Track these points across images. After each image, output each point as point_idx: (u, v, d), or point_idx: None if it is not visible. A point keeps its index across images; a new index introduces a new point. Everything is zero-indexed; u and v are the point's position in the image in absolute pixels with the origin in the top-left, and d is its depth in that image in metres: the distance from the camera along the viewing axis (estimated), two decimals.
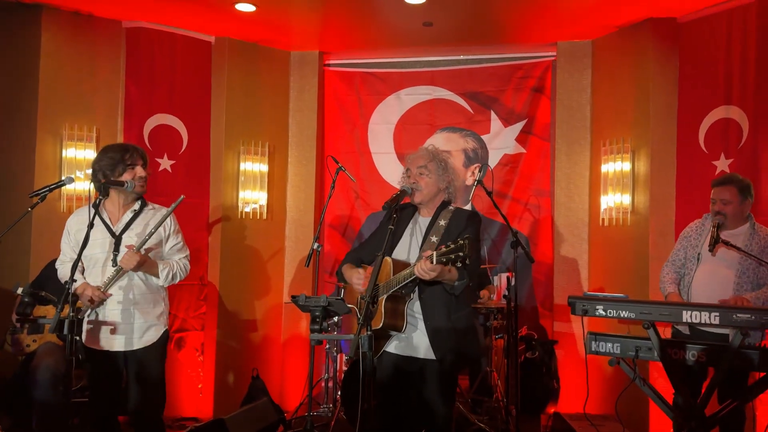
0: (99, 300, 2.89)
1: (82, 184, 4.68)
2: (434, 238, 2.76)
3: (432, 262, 2.41)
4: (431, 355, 2.70)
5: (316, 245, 4.51)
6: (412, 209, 2.96)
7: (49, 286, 3.82)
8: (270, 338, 5.38)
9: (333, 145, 5.61)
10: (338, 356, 4.89)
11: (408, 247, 2.85)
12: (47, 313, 3.78)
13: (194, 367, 5.06)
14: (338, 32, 5.19)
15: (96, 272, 2.97)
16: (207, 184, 5.21)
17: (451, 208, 2.89)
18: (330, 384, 4.91)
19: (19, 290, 3.57)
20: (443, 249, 2.39)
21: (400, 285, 2.64)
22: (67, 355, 2.65)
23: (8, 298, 4.09)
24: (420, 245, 2.81)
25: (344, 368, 4.62)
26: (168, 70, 5.10)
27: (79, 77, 4.80)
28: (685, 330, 3.44)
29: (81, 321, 2.79)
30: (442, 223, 2.81)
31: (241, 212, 5.26)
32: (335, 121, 5.69)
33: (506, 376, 4.39)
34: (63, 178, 3.42)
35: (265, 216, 5.37)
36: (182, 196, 3.12)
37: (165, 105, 5.09)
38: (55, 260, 4.08)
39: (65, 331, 2.64)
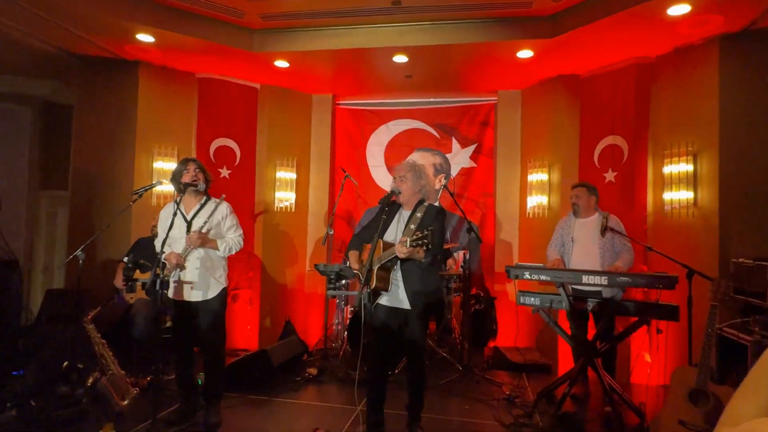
0: (180, 264, 2.94)
1: (167, 187, 4.80)
2: (412, 226, 2.74)
3: (406, 246, 2.49)
4: (409, 306, 2.75)
5: (329, 230, 4.67)
6: (398, 205, 2.94)
7: (138, 257, 3.95)
8: (297, 295, 5.47)
9: (341, 160, 5.68)
10: (345, 308, 5.01)
11: (395, 232, 2.84)
12: (137, 275, 3.85)
13: (245, 314, 5.14)
14: (346, 82, 5.26)
15: (177, 246, 3.00)
16: (253, 187, 5.29)
17: (425, 204, 2.87)
18: (339, 327, 4.99)
19: (125, 259, 3.67)
20: (415, 236, 2.45)
21: (386, 260, 2.68)
22: (156, 305, 2.73)
23: (114, 265, 4.22)
24: (402, 231, 2.80)
25: (349, 316, 4.66)
26: (227, 107, 5.16)
27: (165, 112, 4.90)
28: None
29: (166, 281, 2.85)
30: (419, 215, 2.80)
31: (277, 207, 5.35)
32: (343, 143, 5.75)
33: (461, 322, 4.47)
34: (154, 181, 3.52)
35: (293, 210, 5.45)
36: (223, 195, 3.18)
37: (224, 131, 5.17)
38: (140, 239, 4.21)
39: (157, 287, 2.75)
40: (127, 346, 3.76)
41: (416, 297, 2.75)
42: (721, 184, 3.70)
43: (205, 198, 3.13)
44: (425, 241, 2.42)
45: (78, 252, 3.38)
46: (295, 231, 5.52)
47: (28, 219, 6.05)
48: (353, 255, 2.93)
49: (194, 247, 2.97)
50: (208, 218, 3.02)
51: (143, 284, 3.85)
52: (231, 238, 3.13)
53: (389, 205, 2.87)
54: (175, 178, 3.05)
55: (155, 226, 4.10)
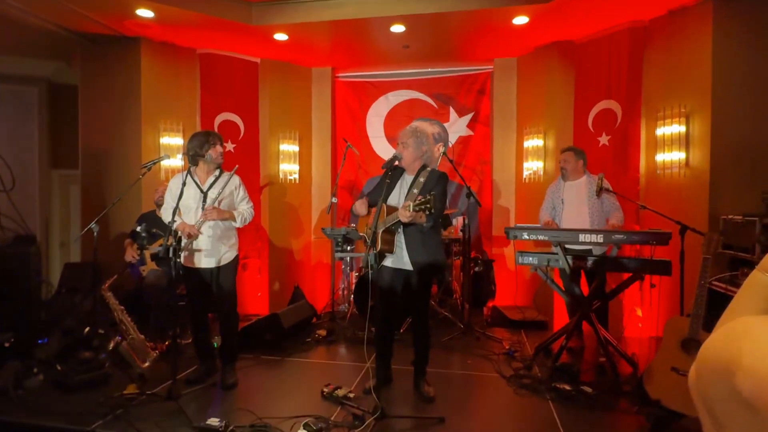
0: (194, 235, 2.93)
1: (174, 161, 4.75)
2: (415, 190, 2.74)
3: (409, 210, 2.46)
4: (411, 268, 2.75)
5: (333, 199, 4.63)
6: (401, 170, 2.89)
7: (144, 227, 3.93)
8: (304, 263, 5.49)
9: (342, 132, 5.59)
10: (350, 274, 5.05)
11: (398, 196, 2.82)
12: (143, 253, 3.88)
13: (255, 282, 5.17)
14: (344, 54, 5.13)
15: (190, 216, 2.99)
16: (257, 160, 5.23)
17: (428, 169, 2.83)
18: (345, 292, 5.05)
19: (138, 228, 3.64)
20: (417, 201, 2.41)
21: (390, 223, 2.66)
22: (168, 274, 2.72)
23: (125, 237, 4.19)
24: (405, 196, 2.78)
25: (355, 281, 4.70)
26: (229, 82, 5.07)
27: (168, 88, 4.79)
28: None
29: (178, 249, 2.82)
30: (421, 180, 2.77)
31: (282, 179, 5.30)
32: (343, 115, 5.66)
33: (462, 284, 4.51)
34: (161, 155, 3.46)
35: (297, 181, 5.41)
36: (236, 166, 3.15)
37: (228, 106, 5.08)
38: (143, 214, 4.16)
39: (170, 255, 2.72)
40: (143, 316, 3.75)
41: (419, 259, 2.74)
42: (713, 144, 3.63)
43: (218, 171, 3.10)
44: (428, 205, 2.38)
45: (92, 225, 3.36)
46: (299, 202, 5.48)
47: (42, 198, 6.01)
48: (360, 202, 2.88)
49: (212, 219, 2.95)
50: (222, 189, 3.01)
51: (152, 255, 3.84)
52: (245, 209, 3.13)
53: (392, 170, 2.83)
54: (195, 150, 2.98)
55: (161, 197, 4.07)
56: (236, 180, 3.14)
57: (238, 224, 3.10)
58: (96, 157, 4.77)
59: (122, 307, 3.14)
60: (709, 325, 2.53)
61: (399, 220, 2.60)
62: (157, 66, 4.71)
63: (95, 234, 3.35)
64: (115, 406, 2.60)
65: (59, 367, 2.91)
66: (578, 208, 3.63)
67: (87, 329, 3.16)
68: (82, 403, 2.65)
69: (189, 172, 3.04)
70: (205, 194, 3.01)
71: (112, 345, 2.95)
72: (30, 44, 4.95)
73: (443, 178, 2.79)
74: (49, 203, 6.14)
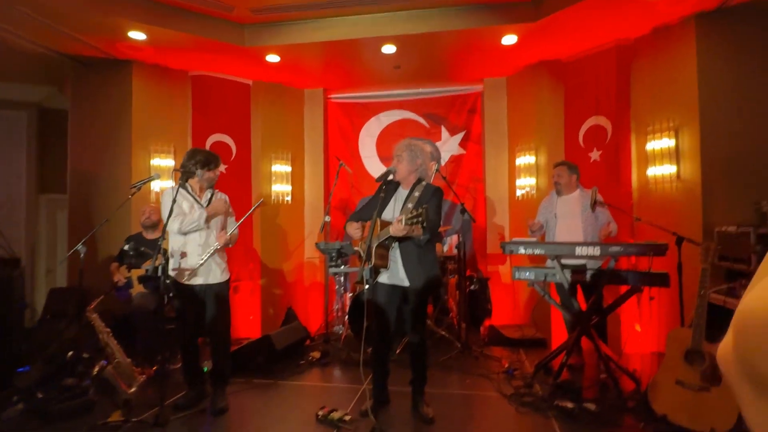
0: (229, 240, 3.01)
1: (165, 183, 4.70)
2: (410, 205, 2.67)
3: (402, 224, 2.39)
4: (408, 283, 2.68)
5: (327, 218, 4.58)
6: (396, 184, 2.85)
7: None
8: (296, 285, 5.39)
9: (334, 152, 5.56)
10: (344, 295, 4.95)
11: (392, 211, 2.76)
12: (132, 274, 3.80)
13: (247, 304, 5.04)
14: (336, 75, 5.17)
15: (194, 234, 2.93)
16: (249, 181, 5.18)
17: (423, 183, 2.77)
18: (339, 314, 4.95)
19: (126, 247, 3.55)
20: (411, 214, 2.35)
21: (384, 238, 2.61)
22: (156, 295, 2.65)
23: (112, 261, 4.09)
24: (400, 209, 2.71)
25: (349, 302, 4.56)
26: (221, 104, 5.06)
27: (159, 110, 4.78)
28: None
29: (166, 268, 2.75)
30: (416, 194, 2.72)
31: (274, 200, 5.26)
32: (335, 136, 5.66)
33: (458, 302, 4.44)
34: (152, 174, 3.40)
35: (290, 202, 5.37)
36: (261, 200, 3.17)
37: (220, 128, 5.07)
38: (129, 237, 4.07)
39: (159, 273, 2.65)
40: (131, 340, 3.64)
41: (414, 274, 2.68)
42: (703, 156, 3.67)
43: (211, 190, 3.10)
44: (420, 218, 2.32)
45: (79, 246, 3.27)
46: (292, 223, 5.43)
47: (28, 223, 5.89)
48: (351, 224, 2.82)
49: (223, 244, 2.97)
50: (233, 222, 3.11)
51: (140, 278, 3.74)
52: (234, 231, 3.11)
53: (387, 184, 2.80)
54: (198, 166, 2.96)
55: (148, 218, 4.00)
56: (227, 200, 3.13)
57: (230, 244, 3.09)
58: (84, 181, 4.70)
59: (108, 330, 3.02)
60: (711, 336, 2.48)
61: (390, 235, 2.54)
62: (148, 88, 4.70)
63: (82, 256, 3.27)
64: None
65: (40, 395, 2.77)
66: (572, 222, 3.62)
67: (71, 353, 3.02)
68: None
69: (182, 185, 2.96)
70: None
71: (96, 369, 2.82)
72: (21, 69, 4.94)
73: (438, 192, 2.75)
74: (35, 229, 6.02)
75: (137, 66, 4.61)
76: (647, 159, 4.09)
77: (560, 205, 3.71)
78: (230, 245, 3.09)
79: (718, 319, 3.24)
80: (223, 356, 3.03)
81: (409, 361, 2.83)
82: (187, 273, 2.92)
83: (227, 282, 3.07)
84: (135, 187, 3.38)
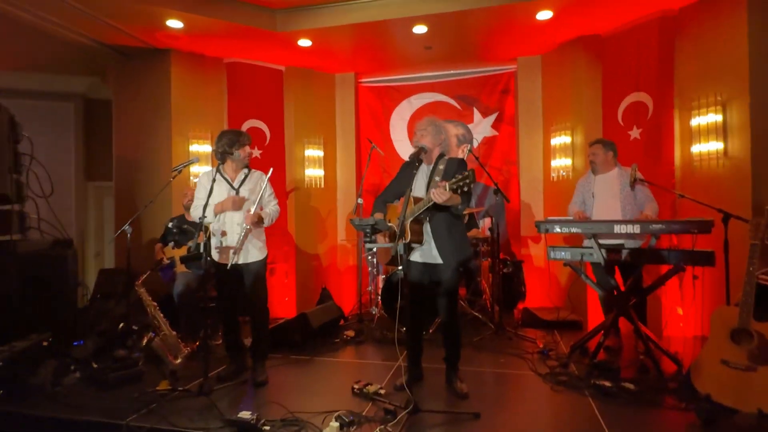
0: (257, 219, 2.92)
1: (203, 168, 4.84)
2: (437, 178, 2.69)
3: (447, 188, 2.37)
4: (441, 260, 2.70)
5: (359, 200, 4.64)
6: (419, 161, 2.76)
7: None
8: (330, 268, 5.49)
9: (366, 136, 5.59)
10: (377, 277, 5.01)
11: (421, 187, 2.76)
12: (172, 253, 3.92)
13: (282, 286, 5.17)
14: (367, 58, 5.17)
15: (226, 214, 2.99)
16: (283, 166, 5.29)
17: (446, 157, 2.79)
18: (372, 295, 4.99)
19: (170, 224, 3.69)
20: (455, 179, 2.33)
21: (420, 212, 2.60)
22: (198, 274, 2.73)
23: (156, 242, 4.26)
24: (427, 184, 2.74)
25: (382, 284, 4.61)
26: (255, 90, 5.16)
27: (197, 97, 4.92)
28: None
29: (208, 246, 2.82)
30: (441, 167, 2.73)
31: (307, 184, 5.35)
32: (367, 120, 5.69)
33: (491, 284, 4.43)
34: (191, 158, 3.51)
35: (323, 186, 5.45)
36: (271, 169, 3.14)
37: (254, 113, 5.18)
38: (174, 217, 4.19)
39: (202, 250, 2.76)
40: (174, 318, 3.80)
41: (447, 250, 2.70)
42: (753, 132, 3.49)
43: (247, 169, 3.14)
44: (467, 181, 2.30)
45: (126, 227, 3.44)
46: (325, 206, 5.51)
47: (78, 209, 6.23)
48: (378, 216, 2.85)
49: (252, 225, 2.95)
50: (255, 188, 3.05)
51: (182, 258, 3.89)
52: (272, 209, 3.13)
53: (408, 162, 2.83)
54: (226, 147, 2.99)
55: (190, 201, 4.12)
56: (264, 178, 3.14)
57: (266, 224, 3.10)
58: (128, 168, 4.92)
59: (155, 303, 3.18)
60: (759, 315, 2.38)
61: (428, 207, 2.54)
62: (186, 76, 4.85)
63: (128, 236, 3.43)
64: (148, 401, 2.61)
65: (95, 365, 2.96)
66: (610, 202, 3.51)
67: (122, 325, 3.21)
68: (117, 399, 2.68)
69: (218, 169, 3.06)
70: (237, 191, 3.04)
71: (145, 340, 2.98)
72: (66, 60, 5.18)
73: (463, 164, 2.73)
74: (84, 215, 6.36)
75: (175, 54, 4.76)
76: (691, 136, 3.92)
77: (598, 184, 3.60)
78: (265, 224, 3.08)
79: (766, 300, 3.11)
80: (262, 332, 3.12)
81: (442, 340, 2.86)
82: (230, 252, 2.99)
83: (264, 260, 3.13)
84: (176, 170, 3.52)
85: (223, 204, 2.97)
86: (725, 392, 2.34)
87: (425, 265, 2.77)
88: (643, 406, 2.52)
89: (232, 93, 5.10)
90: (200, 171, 4.82)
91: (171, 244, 3.96)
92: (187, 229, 3.48)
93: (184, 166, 3.55)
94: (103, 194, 6.30)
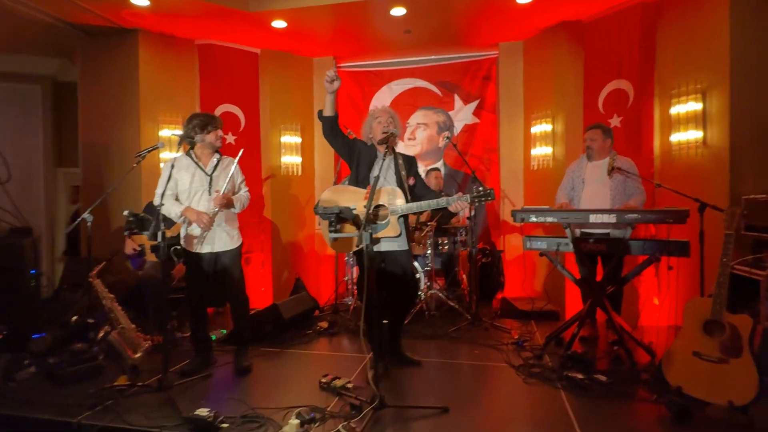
0: (207, 224, 2.81)
1: (173, 154, 4.67)
2: (403, 172, 2.77)
3: (468, 202, 2.53)
4: (406, 246, 2.84)
5: None
6: (371, 148, 2.89)
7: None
8: (307, 257, 5.38)
9: (345, 122, 5.30)
10: (355, 267, 4.90)
11: (384, 177, 2.75)
12: (143, 240, 3.75)
13: (258, 276, 5.05)
14: (345, 41, 5.00)
15: (200, 202, 2.89)
16: (258, 153, 5.13)
17: (397, 151, 2.82)
18: (350, 286, 4.91)
19: (125, 213, 3.55)
20: (476, 193, 2.51)
21: (423, 210, 2.72)
22: (162, 262, 2.64)
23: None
24: (397, 178, 2.76)
25: (357, 273, 4.58)
26: (229, 73, 4.98)
27: (167, 80, 4.72)
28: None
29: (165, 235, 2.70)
30: (401, 161, 2.80)
31: (284, 171, 5.21)
32: (346, 106, 5.53)
33: (469, 274, 4.38)
34: (158, 143, 3.34)
35: (300, 173, 5.32)
36: (242, 150, 3.06)
37: (228, 98, 5.00)
38: (149, 203, 4.03)
39: (159, 239, 2.61)
40: (143, 308, 3.68)
41: (408, 238, 2.87)
42: (732, 121, 3.42)
43: (218, 155, 3.03)
44: (490, 197, 2.51)
45: (85, 215, 3.27)
46: (302, 194, 5.38)
47: (47, 197, 5.99)
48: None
49: (221, 207, 2.86)
50: (229, 174, 2.96)
51: (152, 247, 3.74)
52: (242, 194, 3.06)
53: (361, 145, 2.91)
54: (197, 129, 2.89)
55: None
56: (235, 164, 3.05)
57: (237, 210, 3.03)
58: (96, 153, 4.71)
59: (112, 296, 3.04)
60: (733, 308, 2.33)
61: (443, 208, 2.62)
62: (155, 58, 4.64)
63: (89, 224, 3.27)
64: (104, 397, 2.49)
65: (51, 360, 2.82)
66: (599, 189, 3.41)
67: (74, 318, 3.06)
68: (72, 395, 2.55)
69: (189, 154, 2.95)
70: (210, 177, 2.93)
71: (101, 334, 2.85)
72: (32, 41, 4.92)
73: (414, 160, 2.97)
74: (54, 202, 6.12)
75: (143, 35, 4.54)
76: (671, 124, 3.86)
77: (589, 171, 3.49)
78: (236, 209, 2.99)
79: (742, 292, 3.09)
80: (242, 319, 3.09)
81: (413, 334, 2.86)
82: (194, 240, 2.91)
83: (237, 249, 3.04)
84: (140, 155, 3.34)
85: (218, 201, 2.84)
86: (696, 385, 2.30)
87: (393, 252, 2.82)
88: (614, 399, 2.47)
89: (204, 76, 4.91)
90: (170, 156, 4.67)
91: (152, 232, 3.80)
92: (143, 218, 3.33)
93: (149, 152, 3.35)
94: (74, 181, 6.07)
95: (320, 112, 2.94)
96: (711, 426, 2.19)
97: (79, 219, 3.22)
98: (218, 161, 2.99)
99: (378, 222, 2.69)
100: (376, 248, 2.73)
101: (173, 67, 4.76)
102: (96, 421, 2.27)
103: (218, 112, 4.94)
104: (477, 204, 2.53)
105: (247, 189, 3.10)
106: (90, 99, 4.76)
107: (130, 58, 4.55)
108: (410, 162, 2.88)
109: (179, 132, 3.44)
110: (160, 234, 2.57)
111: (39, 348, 3.06)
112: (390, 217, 2.67)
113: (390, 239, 2.74)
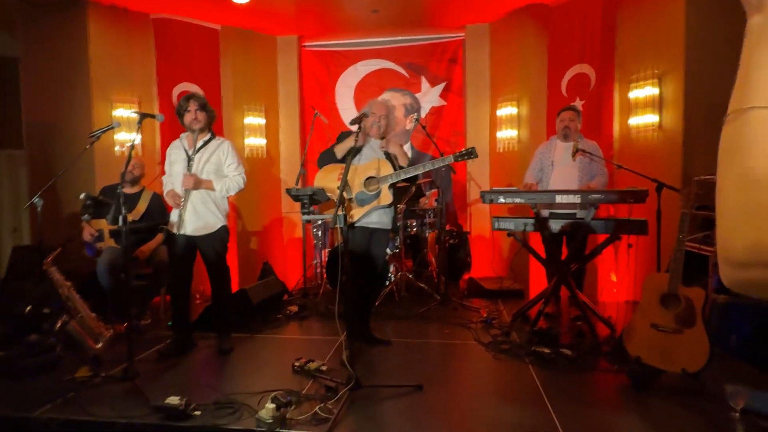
0: (178, 205, 2.87)
1: (129, 135, 4.43)
2: (392, 150, 2.94)
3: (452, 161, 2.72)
4: (385, 225, 2.93)
5: (302, 170, 4.44)
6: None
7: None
8: (274, 241, 5.28)
9: (310, 103, 5.28)
10: (323, 251, 4.87)
11: (369, 155, 2.89)
12: (101, 225, 3.58)
13: None
14: (311, 20, 4.86)
15: (178, 183, 2.92)
16: (221, 134, 4.82)
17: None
18: (318, 270, 4.89)
19: (82, 196, 3.36)
20: (459, 152, 2.68)
21: (415, 173, 2.75)
22: (122, 250, 2.56)
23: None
24: (385, 153, 2.92)
25: (327, 256, 4.52)
26: (188, 51, 4.74)
27: (120, 56, 4.44)
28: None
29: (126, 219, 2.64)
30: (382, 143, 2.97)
31: (248, 154, 5.04)
32: (311, 87, 5.41)
33: (437, 256, 4.43)
34: (112, 123, 3.15)
35: (265, 156, 5.18)
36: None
37: (187, 76, 4.76)
38: (104, 187, 3.85)
39: (119, 224, 2.53)
40: (101, 297, 3.50)
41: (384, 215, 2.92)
42: (686, 105, 3.58)
43: (209, 135, 2.97)
44: (473, 155, 2.74)
45: (35, 199, 3.07)
46: (268, 178, 5.25)
47: None
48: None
49: (189, 189, 2.86)
50: (208, 156, 2.93)
51: (111, 232, 3.56)
52: (230, 178, 3.00)
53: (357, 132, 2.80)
54: (179, 114, 2.94)
55: (130, 172, 3.74)
56: (226, 146, 3.01)
57: (218, 193, 2.97)
58: (42, 134, 4.39)
59: (69, 283, 2.88)
60: (687, 281, 2.48)
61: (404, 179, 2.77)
62: (107, 32, 4.34)
63: (39, 209, 3.06)
64: (65, 390, 2.37)
65: (2, 353, 2.64)
66: (568, 171, 3.50)
67: (28, 308, 2.89)
68: (29, 389, 2.42)
69: (181, 137, 3.02)
70: (190, 159, 2.90)
71: (59, 324, 2.70)
72: None
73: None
74: None
75: (93, 7, 4.24)
76: (630, 108, 4.00)
77: (558, 152, 3.56)
78: (218, 191, 2.96)
79: (692, 267, 3.28)
80: (222, 301, 3.09)
81: (385, 314, 2.87)
82: (184, 221, 2.90)
83: (216, 232, 2.98)
84: (93, 136, 3.14)
85: (185, 182, 2.86)
86: (654, 354, 2.43)
87: (367, 229, 2.88)
88: (579, 371, 2.59)
89: (161, 53, 4.65)
90: (127, 138, 4.43)
91: (108, 217, 3.60)
92: (102, 201, 3.16)
93: (103, 132, 3.15)
94: (17, 163, 5.66)
95: (333, 153, 2.96)
96: (667, 392, 2.34)
97: (27, 204, 3.01)
98: (205, 143, 2.94)
99: (369, 193, 2.77)
100: (366, 220, 2.83)
101: (127, 42, 4.48)
102: (56, 414, 2.16)
103: (176, 91, 4.70)
104: (461, 161, 2.68)
105: (239, 173, 3.04)
106: (34, 76, 4.40)
107: (79, 32, 4.24)
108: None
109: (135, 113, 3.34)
110: (121, 218, 2.43)
111: None
112: (381, 186, 2.74)
113: (380, 212, 2.83)
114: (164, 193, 2.99)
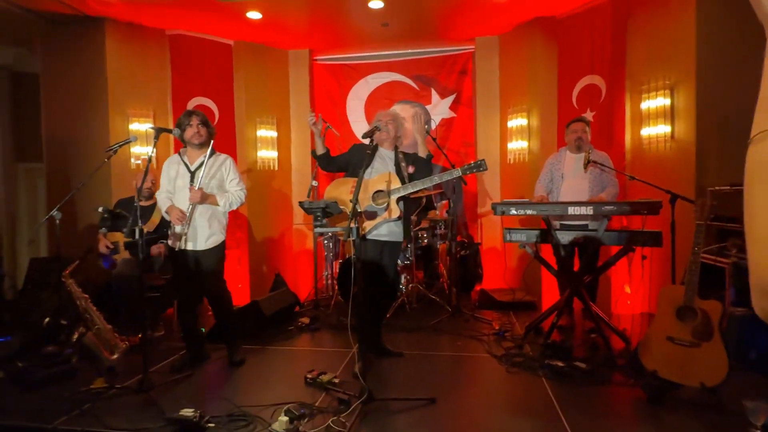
0: (182, 220, 2.84)
1: (145, 148, 4.52)
2: (403, 164, 2.91)
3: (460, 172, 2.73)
4: (398, 238, 2.95)
5: (314, 182, 4.47)
6: (376, 146, 2.95)
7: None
8: (285, 253, 5.31)
9: (321, 116, 5.37)
10: (334, 263, 4.89)
11: (381, 168, 2.90)
12: (117, 238, 3.63)
13: (234, 273, 4.93)
14: (322, 34, 4.93)
15: (180, 197, 2.92)
16: (234, 147, 5.00)
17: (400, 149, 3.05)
18: (329, 281, 4.90)
19: (100, 209, 3.42)
20: (467, 165, 2.69)
21: (422, 186, 2.76)
22: (140, 261, 2.59)
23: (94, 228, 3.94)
24: (395, 166, 2.91)
25: (338, 268, 4.53)
26: (202, 65, 4.84)
27: (136, 72, 4.54)
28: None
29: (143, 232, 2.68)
30: (400, 155, 2.93)
31: (260, 166, 5.11)
32: (322, 100, 5.47)
33: (448, 267, 4.42)
34: (129, 137, 3.22)
35: (276, 168, 5.23)
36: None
37: (201, 90, 4.86)
38: (120, 200, 3.93)
39: (137, 237, 2.57)
40: (115, 308, 3.54)
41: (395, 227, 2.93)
42: (698, 115, 3.56)
43: (210, 151, 2.98)
44: (482, 168, 2.76)
45: (54, 212, 3.13)
46: (279, 189, 5.29)
47: (7, 193, 5.70)
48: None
49: (196, 203, 2.87)
50: (211, 170, 2.96)
51: (126, 244, 3.62)
52: (232, 193, 3.02)
53: (369, 145, 2.81)
54: (180, 128, 2.96)
55: (149, 188, 3.80)
56: (228, 162, 3.06)
57: (221, 208, 2.99)
58: (61, 148, 4.50)
59: (86, 296, 2.92)
60: (702, 294, 2.45)
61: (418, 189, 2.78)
62: (123, 48, 4.46)
63: (57, 222, 3.13)
64: (81, 401, 2.40)
65: (20, 364, 2.69)
66: (578, 182, 3.49)
67: (47, 320, 2.93)
68: (45, 400, 2.45)
69: (180, 152, 3.02)
70: (192, 174, 2.92)
71: (75, 336, 2.74)
72: None
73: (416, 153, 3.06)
74: (15, 199, 5.83)
75: (110, 24, 4.35)
76: (641, 119, 3.99)
77: (568, 164, 3.55)
78: (221, 207, 2.97)
79: (708, 280, 3.24)
80: (226, 315, 3.11)
81: (398, 327, 2.88)
82: (178, 237, 2.90)
83: (217, 248, 3.01)
84: (111, 150, 3.21)
85: (192, 197, 2.86)
86: (671, 368, 2.40)
87: (378, 242, 2.89)
88: (593, 384, 2.56)
89: (176, 68, 4.75)
90: (142, 152, 4.52)
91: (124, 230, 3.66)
92: (120, 213, 3.21)
93: (120, 146, 3.23)
94: (36, 176, 5.79)
95: (313, 152, 3.12)
96: (684, 406, 2.30)
97: (46, 217, 3.07)
98: (207, 158, 2.95)
99: (377, 206, 2.79)
100: (375, 233, 2.84)
101: (143, 58, 4.59)
102: (73, 425, 2.19)
103: (191, 105, 4.80)
104: (469, 173, 2.70)
105: (241, 188, 3.07)
106: (53, 91, 4.54)
107: (96, 48, 4.36)
108: (410, 156, 2.99)
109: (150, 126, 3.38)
110: (137, 230, 2.47)
111: (6, 351, 2.91)
112: (388, 200, 2.75)
113: (390, 225, 2.84)
114: (163, 209, 2.97)
